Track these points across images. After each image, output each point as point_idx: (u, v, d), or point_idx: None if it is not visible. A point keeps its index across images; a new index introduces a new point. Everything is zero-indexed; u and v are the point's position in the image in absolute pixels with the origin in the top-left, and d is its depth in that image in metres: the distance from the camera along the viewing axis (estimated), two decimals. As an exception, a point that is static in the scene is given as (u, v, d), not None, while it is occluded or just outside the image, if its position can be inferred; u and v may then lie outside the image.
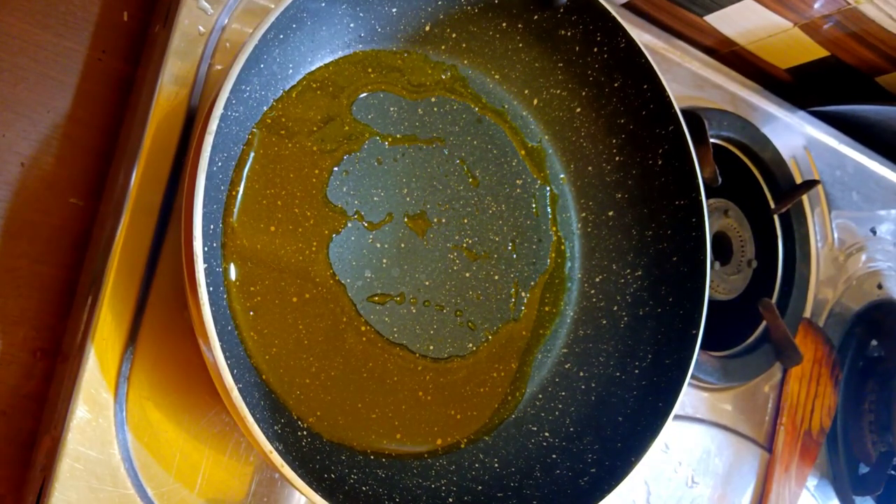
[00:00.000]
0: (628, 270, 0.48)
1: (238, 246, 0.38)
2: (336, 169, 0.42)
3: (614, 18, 0.44)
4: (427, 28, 0.45)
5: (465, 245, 0.45)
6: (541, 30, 0.46)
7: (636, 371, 0.45)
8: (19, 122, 0.43)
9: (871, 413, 0.63)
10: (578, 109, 0.48)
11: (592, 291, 0.48)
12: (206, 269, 0.31)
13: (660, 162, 0.46)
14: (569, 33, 0.46)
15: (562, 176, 0.49)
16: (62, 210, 0.44)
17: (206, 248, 0.32)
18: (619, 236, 0.48)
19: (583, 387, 0.46)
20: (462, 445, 0.43)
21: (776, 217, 0.63)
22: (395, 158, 0.44)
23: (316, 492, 0.33)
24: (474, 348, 0.45)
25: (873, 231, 0.69)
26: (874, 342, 0.66)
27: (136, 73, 0.47)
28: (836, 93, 0.67)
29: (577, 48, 0.46)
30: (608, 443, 0.42)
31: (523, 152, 0.48)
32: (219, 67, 0.42)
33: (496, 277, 0.46)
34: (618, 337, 0.47)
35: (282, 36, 0.37)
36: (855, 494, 0.62)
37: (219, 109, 0.33)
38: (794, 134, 0.66)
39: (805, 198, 0.64)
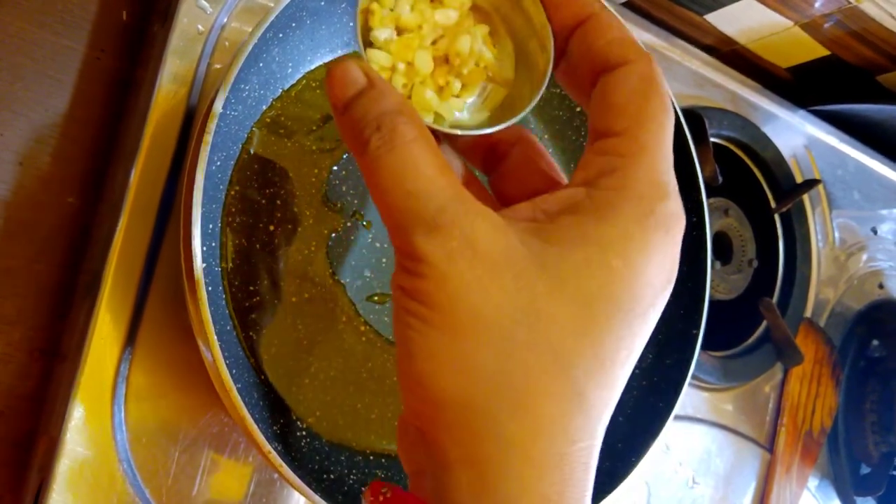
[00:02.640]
0: (629, 270, 0.47)
1: (237, 245, 0.38)
2: (335, 168, 0.41)
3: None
4: (427, 27, 0.44)
5: (464, 244, 0.45)
6: (541, 28, 0.46)
7: (636, 371, 0.45)
8: (17, 121, 0.43)
9: (872, 413, 0.63)
10: (578, 108, 0.48)
11: (593, 291, 0.48)
12: (204, 269, 0.31)
13: (660, 161, 0.46)
14: (569, 32, 0.45)
15: (562, 175, 0.49)
16: (60, 209, 0.44)
17: (204, 248, 0.32)
18: (619, 236, 0.48)
19: (583, 387, 0.46)
20: (462, 446, 0.43)
21: (777, 216, 0.63)
22: (394, 157, 0.43)
23: (315, 492, 0.32)
24: (474, 348, 0.44)
25: (874, 230, 0.69)
26: (875, 342, 0.66)
27: (134, 72, 0.47)
28: (837, 92, 0.67)
29: (578, 47, 0.46)
30: (608, 443, 0.42)
31: (523, 151, 0.48)
32: (218, 66, 0.42)
33: (496, 277, 0.46)
34: (618, 337, 0.46)
35: (281, 35, 0.37)
36: (856, 495, 0.62)
37: (218, 108, 0.32)
38: (795, 133, 0.66)
39: (806, 197, 0.64)
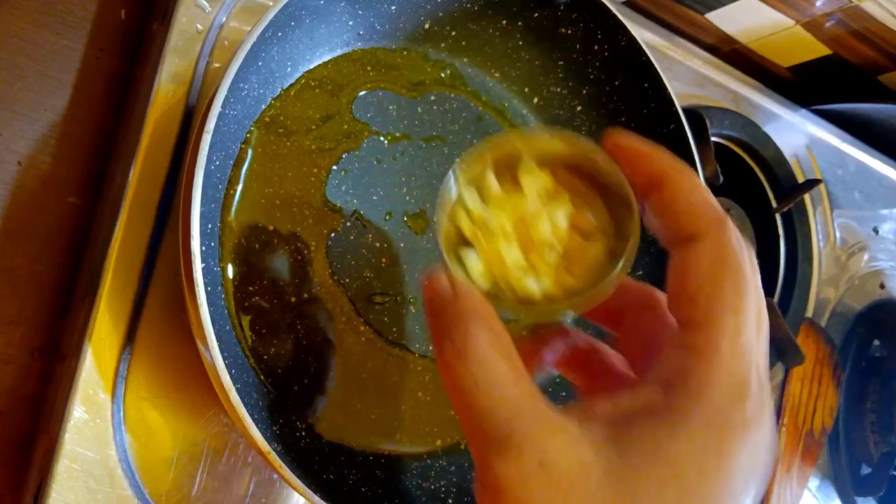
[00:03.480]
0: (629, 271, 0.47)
1: (236, 245, 0.38)
2: (335, 168, 0.41)
3: (615, 16, 0.43)
4: (426, 26, 0.44)
5: (465, 244, 0.45)
6: (541, 28, 0.46)
7: (637, 371, 0.45)
8: (17, 120, 0.43)
9: (873, 413, 0.63)
10: (579, 108, 0.48)
11: (593, 291, 0.48)
12: (203, 269, 0.31)
13: (661, 161, 0.46)
14: (569, 31, 0.45)
15: (562, 175, 0.49)
16: (60, 209, 0.44)
17: (203, 248, 0.32)
18: (619, 235, 0.48)
19: (583, 387, 0.45)
20: (462, 446, 0.43)
21: (778, 216, 0.63)
22: (394, 157, 0.43)
23: (315, 493, 0.32)
24: (474, 348, 0.44)
25: (875, 230, 0.69)
26: (876, 342, 0.66)
27: (133, 72, 0.46)
28: (839, 91, 0.67)
29: (578, 46, 0.46)
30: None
31: (524, 151, 0.48)
32: (217, 65, 0.42)
33: (496, 277, 0.46)
34: (619, 337, 0.46)
35: (280, 34, 0.37)
36: (857, 495, 0.62)
37: (217, 108, 0.32)
38: (796, 132, 0.66)
39: (807, 197, 0.64)
